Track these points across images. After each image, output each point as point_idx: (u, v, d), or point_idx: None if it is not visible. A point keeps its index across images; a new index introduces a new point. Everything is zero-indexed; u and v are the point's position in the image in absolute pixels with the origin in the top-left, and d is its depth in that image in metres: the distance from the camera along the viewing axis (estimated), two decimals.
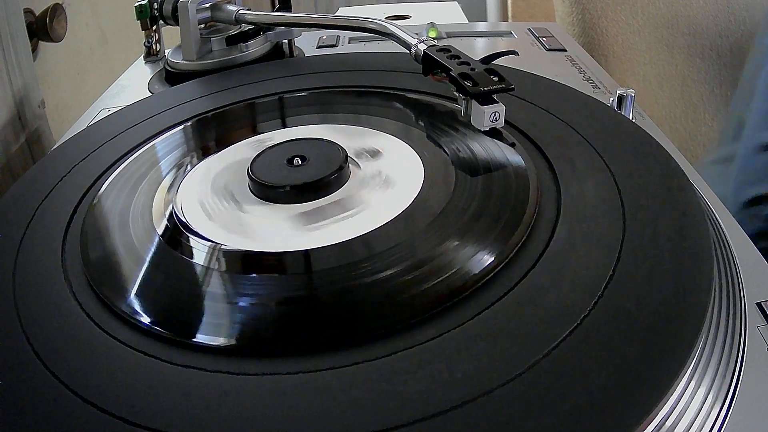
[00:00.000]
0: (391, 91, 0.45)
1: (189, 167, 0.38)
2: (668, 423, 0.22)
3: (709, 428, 0.23)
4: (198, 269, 0.30)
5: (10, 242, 0.33)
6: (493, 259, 0.28)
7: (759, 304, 0.28)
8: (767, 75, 0.62)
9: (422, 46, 0.42)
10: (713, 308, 0.26)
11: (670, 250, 0.28)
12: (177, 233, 0.32)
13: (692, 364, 0.23)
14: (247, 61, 0.55)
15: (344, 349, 0.25)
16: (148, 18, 0.59)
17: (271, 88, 0.48)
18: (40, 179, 0.39)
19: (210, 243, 0.31)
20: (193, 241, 0.32)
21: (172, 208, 0.34)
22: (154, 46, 0.63)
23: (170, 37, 0.65)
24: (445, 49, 0.41)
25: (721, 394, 0.24)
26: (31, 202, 0.36)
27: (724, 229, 0.33)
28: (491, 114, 0.36)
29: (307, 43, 0.62)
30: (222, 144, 0.41)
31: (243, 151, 0.39)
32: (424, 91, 0.44)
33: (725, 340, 0.25)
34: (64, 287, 0.30)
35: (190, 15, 0.54)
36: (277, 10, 0.58)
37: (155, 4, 0.57)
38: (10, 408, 0.23)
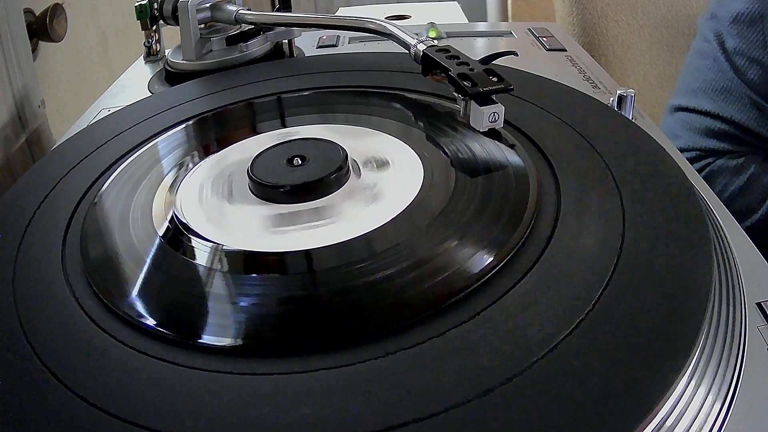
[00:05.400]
0: (391, 91, 0.45)
1: (189, 167, 0.38)
2: (668, 423, 0.22)
3: (709, 428, 0.23)
4: (198, 269, 0.30)
5: (10, 242, 0.33)
6: (492, 258, 0.28)
7: (759, 304, 0.28)
8: (692, 51, 0.73)
9: (421, 47, 0.42)
10: (713, 308, 0.26)
11: (670, 250, 0.28)
12: (177, 233, 0.32)
13: (692, 364, 0.23)
14: (247, 61, 0.55)
15: (344, 348, 0.25)
16: (148, 18, 0.59)
17: (271, 88, 0.48)
18: (40, 179, 0.39)
19: (210, 243, 0.31)
20: (193, 241, 0.32)
21: (172, 208, 0.34)
22: (154, 46, 0.63)
23: (170, 37, 0.65)
24: (444, 50, 0.41)
25: (721, 394, 0.24)
26: (31, 202, 0.36)
27: (724, 229, 0.33)
28: (490, 114, 0.36)
29: (307, 43, 0.62)
30: (222, 144, 0.41)
31: (243, 151, 0.39)
32: (424, 91, 0.44)
33: (725, 340, 0.25)
34: (64, 287, 0.30)
35: (190, 15, 0.54)
36: (277, 10, 0.58)
37: (155, 4, 0.57)
38: (10, 408, 0.23)
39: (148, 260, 0.31)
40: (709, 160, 0.69)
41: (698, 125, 0.70)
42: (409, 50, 0.43)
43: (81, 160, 0.41)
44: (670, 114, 0.75)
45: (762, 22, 0.64)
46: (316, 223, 0.32)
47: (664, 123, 0.76)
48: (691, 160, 0.70)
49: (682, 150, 0.71)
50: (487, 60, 0.40)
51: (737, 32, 0.66)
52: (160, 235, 0.32)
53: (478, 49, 0.62)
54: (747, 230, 0.33)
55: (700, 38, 0.73)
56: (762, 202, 0.63)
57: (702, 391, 0.23)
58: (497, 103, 0.37)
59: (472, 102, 0.37)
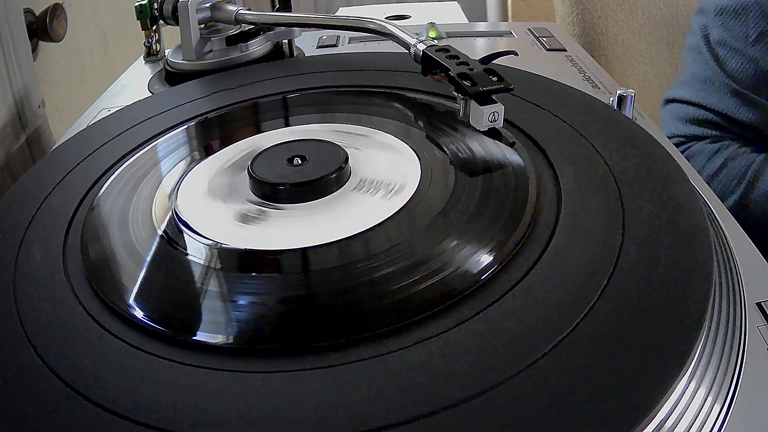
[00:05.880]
0: (391, 91, 0.45)
1: (189, 167, 0.38)
2: (668, 423, 0.22)
3: (709, 428, 0.23)
4: (198, 268, 0.30)
5: (10, 242, 0.33)
6: (492, 258, 0.28)
7: (759, 304, 0.28)
8: (685, 47, 0.75)
9: (421, 46, 0.42)
10: (713, 308, 0.26)
11: (670, 250, 0.28)
12: (177, 233, 0.32)
13: (692, 364, 0.23)
14: (247, 61, 0.55)
15: (343, 348, 0.25)
16: (148, 18, 0.59)
17: (271, 88, 0.48)
18: (40, 179, 0.39)
19: (210, 242, 0.31)
20: (194, 240, 0.32)
21: (173, 207, 0.34)
22: (154, 46, 0.63)
23: (170, 37, 0.65)
24: (444, 49, 0.41)
25: (721, 394, 0.24)
26: (31, 202, 0.36)
27: (724, 229, 0.33)
28: (490, 114, 0.36)
29: (307, 43, 0.62)
30: (222, 144, 0.41)
31: (243, 151, 0.39)
32: (424, 91, 0.44)
33: (725, 340, 0.25)
34: (65, 287, 0.30)
35: (190, 15, 0.54)
36: (277, 10, 0.58)
37: (155, 4, 0.57)
38: (10, 408, 0.24)
39: (149, 259, 0.31)
40: (689, 144, 0.70)
41: (683, 114, 0.72)
42: (409, 50, 0.43)
43: (81, 161, 0.41)
44: (662, 107, 0.77)
45: (746, 14, 0.65)
46: (316, 222, 0.32)
47: (660, 118, 0.78)
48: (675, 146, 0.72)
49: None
50: (487, 60, 0.40)
51: (722, 23, 0.67)
52: (161, 234, 0.32)
53: (478, 49, 0.62)
54: None
55: (690, 33, 0.74)
56: (737, 185, 0.64)
57: (702, 391, 0.23)
58: (497, 102, 0.37)
59: (472, 101, 0.37)
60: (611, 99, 0.44)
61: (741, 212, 0.64)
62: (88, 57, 0.77)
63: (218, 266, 0.30)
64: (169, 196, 0.35)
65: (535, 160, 0.35)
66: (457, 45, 0.44)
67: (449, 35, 0.64)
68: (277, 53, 0.58)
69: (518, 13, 1.11)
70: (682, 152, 0.70)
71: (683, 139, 0.71)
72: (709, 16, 0.69)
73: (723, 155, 0.66)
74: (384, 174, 0.35)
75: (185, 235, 0.32)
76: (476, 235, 0.30)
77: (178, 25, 0.55)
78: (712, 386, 0.24)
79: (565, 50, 0.59)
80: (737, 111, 0.67)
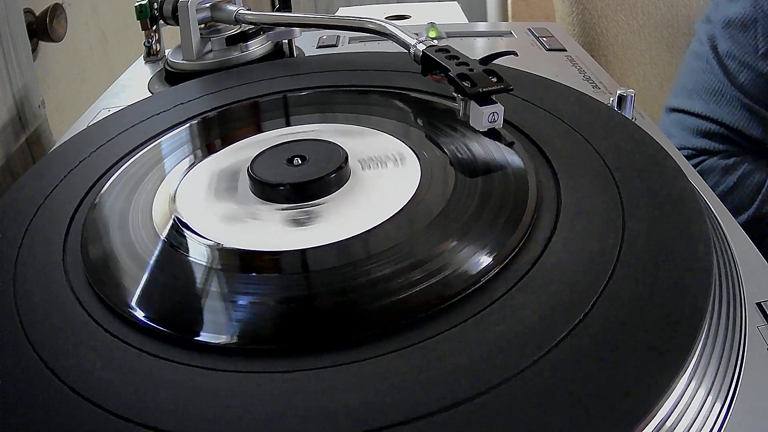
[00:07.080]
0: (391, 91, 0.45)
1: (189, 167, 0.38)
2: (668, 423, 0.22)
3: (709, 428, 0.23)
4: (198, 268, 0.30)
5: (10, 242, 0.33)
6: (492, 259, 0.28)
7: (759, 304, 0.28)
8: (689, 52, 0.75)
9: (421, 47, 0.42)
10: (713, 308, 0.26)
11: (670, 250, 0.28)
12: (177, 233, 0.32)
13: (692, 364, 0.23)
14: (247, 61, 0.55)
15: (343, 348, 0.25)
16: (148, 18, 0.59)
17: (271, 88, 0.48)
18: (40, 179, 0.39)
19: (210, 242, 0.31)
20: (193, 240, 0.32)
21: (173, 208, 0.34)
22: (154, 46, 0.63)
23: (170, 37, 0.65)
24: (443, 50, 0.41)
25: (721, 394, 0.24)
26: (31, 202, 0.36)
27: (724, 229, 0.33)
28: (489, 114, 0.36)
29: (307, 43, 0.62)
30: (222, 144, 0.41)
31: (243, 151, 0.39)
32: (424, 91, 0.44)
33: (725, 340, 0.25)
34: (65, 287, 0.30)
35: (190, 15, 0.54)
36: (277, 10, 0.58)
37: (155, 4, 0.58)
38: (10, 408, 0.24)
39: (149, 260, 0.31)
40: (700, 158, 0.69)
41: (691, 125, 0.71)
42: (408, 50, 0.43)
43: (81, 161, 0.41)
44: (666, 114, 0.76)
45: (755, 28, 0.64)
46: (316, 222, 0.32)
47: (661, 123, 0.77)
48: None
49: None
50: (487, 60, 0.40)
51: (730, 36, 0.66)
52: (161, 234, 0.32)
53: (478, 49, 0.62)
54: None
55: (696, 40, 0.74)
56: (751, 202, 0.64)
57: (702, 391, 0.23)
58: (497, 103, 0.37)
59: (472, 102, 0.37)
60: (611, 99, 0.44)
61: (755, 227, 0.63)
62: (88, 57, 0.77)
63: (218, 267, 0.30)
64: (170, 196, 0.35)
65: (534, 160, 0.35)
66: (457, 45, 0.44)
67: (449, 35, 0.64)
68: (277, 53, 0.58)
69: (518, 13, 1.11)
70: (692, 166, 0.70)
71: (693, 152, 0.71)
72: (716, 27, 0.68)
73: (737, 172, 0.66)
74: (384, 174, 0.35)
75: (185, 235, 0.32)
76: (476, 236, 0.30)
77: (178, 25, 0.55)
78: (712, 386, 0.24)
79: (565, 50, 0.59)
80: (748, 125, 0.66)
